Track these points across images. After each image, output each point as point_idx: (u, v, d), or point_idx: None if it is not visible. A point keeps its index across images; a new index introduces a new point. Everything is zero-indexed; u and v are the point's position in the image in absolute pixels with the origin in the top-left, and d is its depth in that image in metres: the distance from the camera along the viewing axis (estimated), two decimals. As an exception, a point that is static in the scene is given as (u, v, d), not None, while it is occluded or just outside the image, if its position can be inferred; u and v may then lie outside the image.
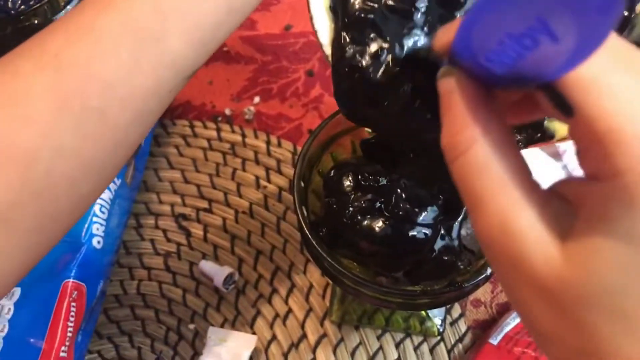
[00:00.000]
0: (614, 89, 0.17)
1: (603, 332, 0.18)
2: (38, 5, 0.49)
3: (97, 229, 0.45)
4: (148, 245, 0.53)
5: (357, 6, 0.29)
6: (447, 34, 0.21)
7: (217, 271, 0.50)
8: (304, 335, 0.48)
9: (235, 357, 0.47)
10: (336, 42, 0.30)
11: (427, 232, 0.36)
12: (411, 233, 0.37)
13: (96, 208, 0.45)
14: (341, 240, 0.38)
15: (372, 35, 0.29)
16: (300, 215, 0.37)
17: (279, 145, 0.57)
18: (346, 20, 0.29)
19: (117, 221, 0.49)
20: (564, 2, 0.15)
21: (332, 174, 0.40)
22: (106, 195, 0.47)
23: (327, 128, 0.41)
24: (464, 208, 0.37)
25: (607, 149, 0.17)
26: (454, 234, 0.37)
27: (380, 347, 0.47)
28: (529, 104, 0.22)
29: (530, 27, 0.16)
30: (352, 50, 0.29)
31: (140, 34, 0.27)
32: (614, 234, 0.17)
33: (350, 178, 0.39)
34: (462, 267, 0.37)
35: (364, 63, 0.29)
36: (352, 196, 0.38)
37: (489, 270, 0.35)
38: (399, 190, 0.37)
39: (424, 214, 0.37)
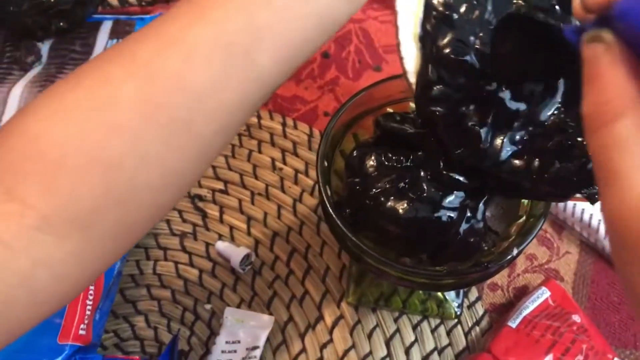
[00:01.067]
0: None
1: None
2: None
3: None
4: (164, 225, 0.52)
5: (448, 46, 0.29)
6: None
7: (233, 252, 0.50)
8: (321, 317, 0.48)
9: (252, 338, 0.47)
10: (422, 74, 0.29)
11: (453, 215, 0.36)
12: (436, 215, 0.36)
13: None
14: (364, 221, 0.38)
15: (461, 81, 0.29)
16: (324, 195, 0.37)
17: (295, 127, 0.56)
18: (435, 54, 0.29)
19: (134, 201, 0.49)
20: None
21: (354, 155, 0.40)
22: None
23: (350, 108, 0.41)
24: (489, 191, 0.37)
25: None
26: (479, 215, 0.37)
27: (398, 329, 0.47)
28: None
29: None
30: (437, 92, 0.29)
31: (231, 48, 0.27)
32: None
33: (373, 158, 0.38)
34: (486, 248, 0.37)
35: (443, 110, 0.29)
36: (375, 177, 0.38)
37: (515, 251, 0.35)
38: (422, 171, 0.37)
39: (449, 197, 0.37)
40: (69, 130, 0.25)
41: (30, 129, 0.26)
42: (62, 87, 0.27)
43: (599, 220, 0.48)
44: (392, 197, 0.37)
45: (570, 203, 0.49)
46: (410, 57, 0.30)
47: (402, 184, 0.37)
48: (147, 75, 0.26)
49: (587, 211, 0.48)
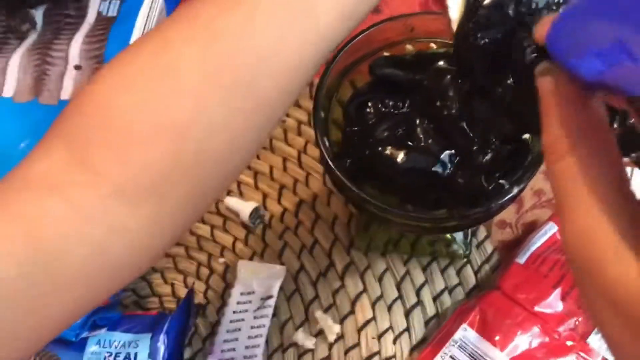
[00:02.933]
0: None
1: None
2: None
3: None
4: (172, 184, 0.53)
5: None
6: (544, 26, 0.21)
7: (242, 206, 0.51)
8: (332, 264, 0.49)
9: (266, 288, 0.48)
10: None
11: (450, 164, 0.36)
12: (433, 165, 0.36)
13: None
14: (365, 171, 0.38)
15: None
16: (322, 147, 0.37)
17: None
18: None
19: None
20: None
21: (351, 103, 0.39)
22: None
23: (346, 54, 0.40)
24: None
25: None
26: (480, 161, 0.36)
27: (407, 272, 0.48)
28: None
29: (611, 46, 0.16)
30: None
31: (291, 7, 0.27)
32: None
33: (370, 106, 0.38)
34: (489, 188, 0.37)
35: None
36: (373, 125, 0.38)
37: (515, 190, 0.35)
38: (418, 119, 0.37)
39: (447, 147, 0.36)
40: (134, 99, 0.26)
41: (99, 99, 0.26)
42: (125, 56, 0.27)
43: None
44: (389, 147, 0.37)
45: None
46: (455, 6, 0.30)
47: (399, 131, 0.36)
48: (208, 38, 0.26)
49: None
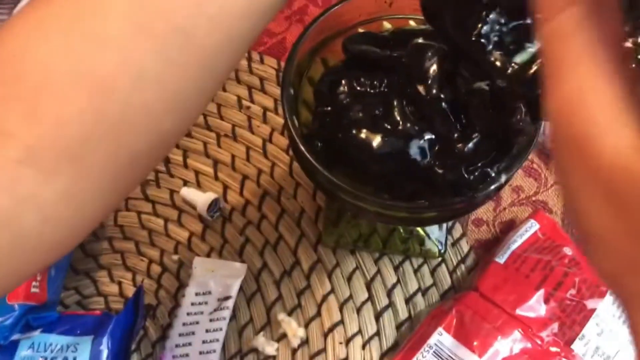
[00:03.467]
0: None
1: None
2: None
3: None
4: (123, 173, 0.48)
5: None
6: None
7: (200, 198, 0.46)
8: (297, 262, 0.45)
9: (224, 287, 0.44)
10: None
11: (429, 149, 0.32)
12: (412, 150, 0.33)
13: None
14: (337, 155, 0.34)
15: None
16: (291, 126, 0.34)
17: (262, 61, 0.52)
18: None
19: (87, 147, 0.45)
20: None
21: (323, 81, 0.36)
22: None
23: (316, 30, 0.36)
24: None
25: None
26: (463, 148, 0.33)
27: (378, 271, 0.45)
28: None
29: None
30: None
31: None
32: None
33: (343, 84, 0.35)
34: (470, 179, 0.33)
35: None
36: (347, 105, 0.34)
37: (503, 178, 0.32)
38: (396, 99, 0.34)
39: (426, 131, 0.33)
40: (50, 46, 0.22)
41: (8, 49, 0.22)
42: (48, 6, 0.23)
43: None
44: (365, 129, 0.33)
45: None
46: None
47: (376, 113, 0.33)
48: None
49: (576, 138, 0.45)
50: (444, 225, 0.45)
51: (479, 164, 0.33)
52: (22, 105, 0.21)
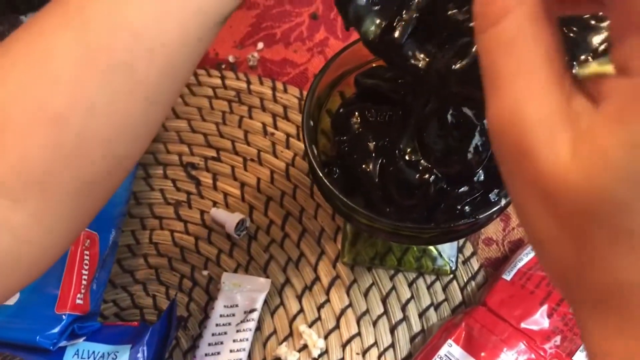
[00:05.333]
0: None
1: (602, 248, 0.16)
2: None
3: (107, 178, 0.45)
4: (158, 195, 0.52)
5: None
6: None
7: (228, 218, 0.50)
8: (317, 278, 0.49)
9: (250, 301, 0.47)
10: None
11: (435, 180, 0.36)
12: (418, 180, 0.36)
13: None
14: (353, 180, 0.38)
15: None
16: (311, 155, 0.37)
17: (285, 91, 0.56)
18: None
19: (126, 171, 0.49)
20: None
21: (340, 112, 0.39)
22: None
23: (335, 66, 0.40)
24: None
25: None
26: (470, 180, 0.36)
27: (393, 287, 0.48)
28: None
29: None
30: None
31: None
32: (631, 139, 0.15)
33: (356, 115, 0.38)
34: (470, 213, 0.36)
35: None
36: (360, 135, 0.38)
37: (502, 202, 0.35)
38: (401, 130, 0.37)
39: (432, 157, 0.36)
40: (8, 89, 0.25)
41: None
42: (1, 48, 0.26)
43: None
44: (373, 158, 0.37)
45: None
46: None
47: (384, 142, 0.36)
48: (81, 22, 0.26)
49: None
50: (456, 244, 0.48)
51: (480, 192, 0.36)
52: None
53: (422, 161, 0.35)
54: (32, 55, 0.26)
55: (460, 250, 0.48)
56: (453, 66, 0.26)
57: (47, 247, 0.27)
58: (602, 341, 0.17)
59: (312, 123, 0.39)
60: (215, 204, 0.52)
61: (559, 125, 0.16)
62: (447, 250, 0.48)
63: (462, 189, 0.35)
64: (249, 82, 0.56)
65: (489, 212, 0.35)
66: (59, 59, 0.25)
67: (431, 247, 0.48)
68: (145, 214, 0.52)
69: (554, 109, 0.16)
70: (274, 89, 0.56)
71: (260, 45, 0.58)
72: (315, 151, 0.38)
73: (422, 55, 0.28)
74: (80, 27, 0.26)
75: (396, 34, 0.28)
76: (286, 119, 0.55)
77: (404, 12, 0.28)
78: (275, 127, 0.54)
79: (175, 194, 0.52)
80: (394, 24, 0.28)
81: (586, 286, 0.17)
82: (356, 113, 0.38)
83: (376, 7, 0.28)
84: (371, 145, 0.37)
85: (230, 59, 0.58)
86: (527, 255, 0.46)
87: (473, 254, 0.49)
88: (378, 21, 0.28)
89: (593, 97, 0.17)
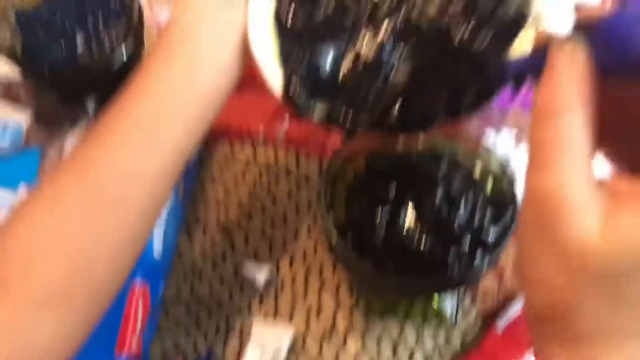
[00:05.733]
0: None
1: (599, 299, 0.22)
2: (100, 53, 0.57)
3: (157, 237, 0.53)
4: (198, 250, 0.61)
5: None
6: (594, 12, 0.25)
7: (257, 272, 0.58)
8: (335, 326, 0.56)
9: (276, 346, 0.54)
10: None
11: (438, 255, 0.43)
12: (420, 255, 0.43)
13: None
14: (364, 243, 0.45)
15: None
16: (328, 221, 0.45)
17: (308, 159, 0.64)
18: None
19: (172, 230, 0.57)
20: None
21: (352, 186, 0.47)
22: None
23: (349, 147, 0.48)
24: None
25: None
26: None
27: (402, 334, 0.55)
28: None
29: None
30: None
31: (142, 132, 0.37)
32: None
33: (367, 189, 0.46)
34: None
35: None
36: (369, 208, 0.46)
37: (485, 264, 0.42)
38: (401, 208, 0.44)
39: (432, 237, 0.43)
40: (31, 230, 0.35)
41: (7, 234, 0.36)
42: (28, 196, 0.37)
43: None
44: (378, 226, 0.44)
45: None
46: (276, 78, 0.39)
47: (391, 214, 0.44)
48: (83, 169, 0.36)
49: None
50: (456, 295, 0.55)
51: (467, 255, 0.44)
52: (19, 272, 0.34)
53: (419, 231, 0.43)
54: (49, 199, 0.36)
55: (460, 300, 0.55)
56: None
57: (70, 341, 0.36)
58: None
59: (329, 194, 0.47)
60: (246, 259, 0.60)
61: (593, 201, 0.22)
62: (448, 301, 0.55)
63: (452, 253, 0.42)
64: (276, 153, 0.65)
65: (475, 271, 0.42)
66: (69, 201, 0.36)
67: (435, 300, 0.55)
68: (186, 267, 0.60)
69: (591, 190, 0.22)
70: (297, 158, 0.64)
71: (286, 123, 0.67)
72: (331, 219, 0.46)
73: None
74: (83, 174, 0.36)
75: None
76: (308, 184, 0.63)
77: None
78: (299, 191, 0.62)
79: (212, 250, 0.60)
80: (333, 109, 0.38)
81: (567, 325, 0.23)
82: (366, 188, 0.46)
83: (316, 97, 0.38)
84: (378, 215, 0.45)
85: (261, 132, 0.66)
86: (519, 305, 0.52)
87: (472, 305, 0.55)
88: (322, 107, 0.38)
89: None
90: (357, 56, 0.37)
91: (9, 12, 0.61)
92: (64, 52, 0.60)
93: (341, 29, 0.37)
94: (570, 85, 0.23)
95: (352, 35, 0.37)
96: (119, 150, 0.37)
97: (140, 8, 0.61)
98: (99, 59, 0.57)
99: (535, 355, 0.26)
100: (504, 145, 0.58)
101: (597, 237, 0.22)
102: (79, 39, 0.60)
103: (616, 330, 0.22)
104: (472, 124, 0.61)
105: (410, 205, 0.44)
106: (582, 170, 0.22)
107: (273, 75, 0.39)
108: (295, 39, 0.38)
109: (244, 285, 0.59)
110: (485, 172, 0.46)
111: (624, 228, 0.21)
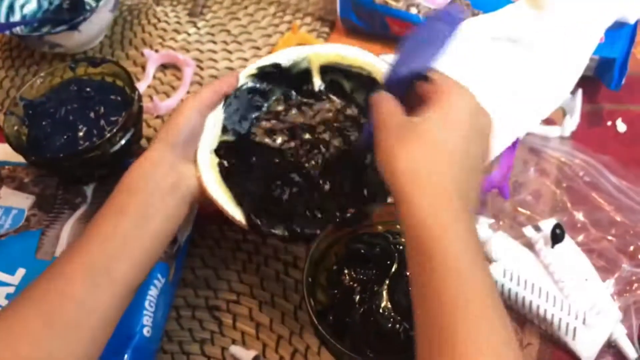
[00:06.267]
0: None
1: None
2: (98, 142, 0.61)
3: (147, 321, 0.55)
4: (186, 333, 0.62)
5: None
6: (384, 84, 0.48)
7: (244, 354, 0.59)
8: (320, 409, 0.56)
9: None
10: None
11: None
12: (390, 326, 0.45)
13: (146, 303, 0.56)
14: (343, 326, 0.47)
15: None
16: (308, 306, 0.47)
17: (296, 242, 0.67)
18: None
19: (162, 313, 0.59)
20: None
21: (332, 270, 0.50)
22: (153, 292, 0.57)
23: (329, 233, 0.51)
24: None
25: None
26: None
27: (385, 417, 0.55)
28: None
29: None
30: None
31: (93, 275, 0.45)
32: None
33: (346, 273, 0.49)
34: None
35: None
36: (348, 289, 0.48)
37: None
38: (377, 287, 0.47)
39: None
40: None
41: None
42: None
43: (553, 314, 0.56)
44: (357, 309, 0.46)
45: (528, 301, 0.57)
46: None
47: (366, 296, 0.46)
48: (45, 305, 0.43)
49: (542, 307, 0.57)
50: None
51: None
52: None
53: (392, 314, 0.45)
54: (10, 320, 0.43)
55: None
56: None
57: None
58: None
59: (310, 280, 0.49)
60: (234, 341, 0.61)
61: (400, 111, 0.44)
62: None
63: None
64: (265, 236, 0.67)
65: None
66: (29, 322, 0.42)
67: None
68: (175, 350, 0.61)
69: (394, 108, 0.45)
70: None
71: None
72: (312, 303, 0.48)
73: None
74: (40, 300, 0.44)
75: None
76: (295, 267, 0.65)
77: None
78: (287, 274, 0.65)
79: (201, 333, 0.62)
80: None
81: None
82: (345, 271, 0.49)
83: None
84: (356, 298, 0.47)
85: (251, 216, 0.69)
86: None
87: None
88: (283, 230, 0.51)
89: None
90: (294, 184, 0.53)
91: (19, 104, 0.66)
92: (67, 141, 0.64)
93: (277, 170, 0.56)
94: (382, 109, 0.45)
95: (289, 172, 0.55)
96: (75, 281, 0.44)
97: (140, 99, 0.66)
98: (99, 148, 0.61)
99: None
100: (481, 232, 0.61)
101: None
102: (81, 129, 0.64)
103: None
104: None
105: (386, 288, 0.46)
106: (398, 121, 0.43)
107: (233, 211, 0.53)
108: (241, 185, 0.53)
109: (231, 367, 0.60)
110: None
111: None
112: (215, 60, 0.85)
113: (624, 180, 0.64)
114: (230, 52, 0.85)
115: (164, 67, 0.85)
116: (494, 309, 0.35)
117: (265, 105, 0.61)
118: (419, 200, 0.38)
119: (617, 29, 0.68)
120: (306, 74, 0.61)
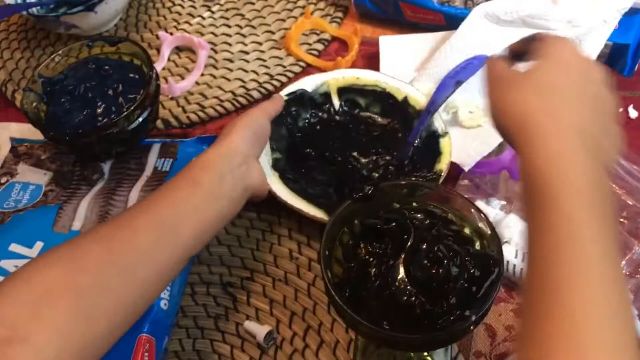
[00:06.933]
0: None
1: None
2: (117, 118, 0.62)
3: (164, 294, 0.56)
4: (201, 309, 0.63)
5: None
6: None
7: (258, 330, 0.60)
8: (332, 383, 0.57)
9: (275, 402, 0.56)
10: None
11: (427, 303, 0.45)
12: (406, 299, 0.46)
13: (163, 277, 0.56)
14: (360, 299, 0.48)
15: None
16: (325, 278, 0.48)
17: (309, 223, 0.67)
18: None
19: (178, 289, 0.60)
20: None
21: (348, 245, 0.50)
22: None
23: (345, 209, 0.52)
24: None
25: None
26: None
27: (397, 392, 0.56)
28: None
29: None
30: None
31: (162, 225, 0.48)
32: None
33: (362, 247, 0.49)
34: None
35: None
36: (364, 262, 0.49)
37: (473, 317, 0.44)
38: (393, 261, 0.47)
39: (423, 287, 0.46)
40: (51, 271, 0.41)
41: (30, 273, 0.41)
42: (52, 253, 0.44)
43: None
44: (373, 282, 0.47)
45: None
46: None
47: (383, 268, 0.47)
48: (108, 241, 0.45)
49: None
50: (449, 355, 0.57)
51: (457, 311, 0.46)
52: (25, 311, 0.39)
53: (409, 287, 0.46)
54: (72, 253, 0.43)
55: (454, 360, 0.57)
56: None
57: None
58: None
59: (327, 253, 0.50)
60: (248, 317, 0.62)
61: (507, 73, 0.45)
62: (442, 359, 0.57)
63: (441, 309, 0.45)
64: (279, 216, 0.68)
65: (463, 325, 0.44)
66: (89, 258, 0.43)
67: (429, 358, 0.57)
68: (190, 325, 0.62)
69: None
70: (299, 222, 0.68)
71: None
72: (330, 275, 0.48)
73: None
74: (107, 244, 0.45)
75: None
76: (309, 246, 0.66)
77: None
78: (300, 253, 0.65)
79: (215, 309, 0.63)
80: None
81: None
82: (361, 246, 0.50)
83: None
84: (372, 271, 0.48)
85: (264, 196, 0.70)
86: (509, 366, 0.54)
87: (465, 364, 0.57)
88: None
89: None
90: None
91: (37, 81, 0.66)
92: (85, 117, 0.65)
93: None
94: (499, 64, 0.47)
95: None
96: (140, 233, 0.46)
97: (157, 78, 0.66)
98: (117, 124, 0.62)
99: None
100: (494, 212, 0.62)
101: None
102: (100, 106, 0.65)
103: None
104: (463, 194, 0.64)
105: (402, 262, 0.47)
106: (509, 74, 0.45)
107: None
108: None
109: (245, 342, 0.60)
110: (474, 232, 0.49)
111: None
112: (229, 44, 0.85)
113: (635, 164, 0.65)
114: (244, 35, 0.86)
115: (178, 49, 0.86)
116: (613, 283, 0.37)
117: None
118: (542, 141, 0.39)
119: (631, 15, 0.69)
120: (326, 96, 0.72)
